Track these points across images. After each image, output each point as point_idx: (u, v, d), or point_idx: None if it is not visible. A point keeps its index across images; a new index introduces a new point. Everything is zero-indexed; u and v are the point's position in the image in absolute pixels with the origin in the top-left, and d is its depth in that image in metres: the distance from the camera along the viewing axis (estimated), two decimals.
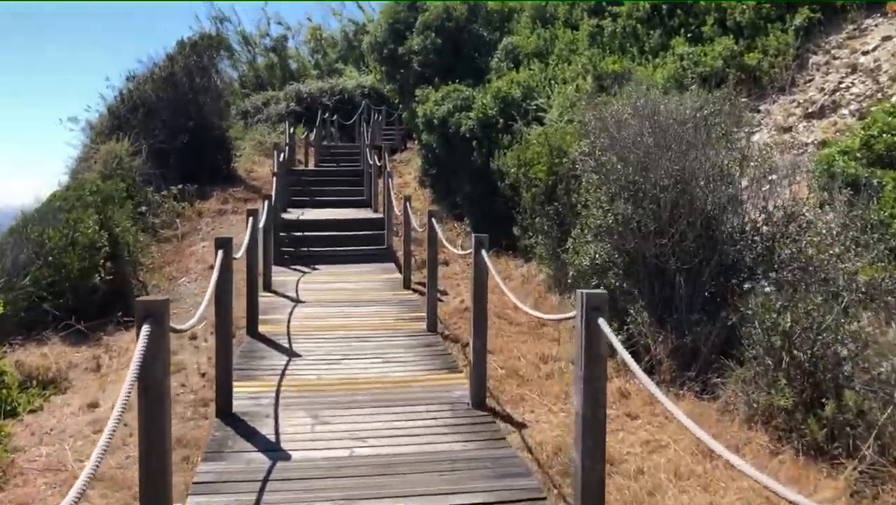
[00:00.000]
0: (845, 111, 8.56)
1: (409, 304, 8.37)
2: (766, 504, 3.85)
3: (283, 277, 9.77)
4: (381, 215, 12.16)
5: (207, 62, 17.16)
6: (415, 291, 9.17)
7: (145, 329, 2.76)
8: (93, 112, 16.18)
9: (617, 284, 6.41)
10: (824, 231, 5.75)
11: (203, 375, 6.00)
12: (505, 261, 10.44)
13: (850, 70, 8.89)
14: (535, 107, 11.08)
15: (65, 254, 7.75)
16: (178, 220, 13.22)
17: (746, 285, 6.19)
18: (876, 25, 9.23)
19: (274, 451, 4.30)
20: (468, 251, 4.98)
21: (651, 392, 2.95)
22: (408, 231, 9.20)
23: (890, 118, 6.82)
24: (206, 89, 16.84)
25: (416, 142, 18.10)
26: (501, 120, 11.21)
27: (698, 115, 6.69)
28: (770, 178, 6.71)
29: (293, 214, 12.77)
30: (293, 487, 3.83)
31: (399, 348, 6.49)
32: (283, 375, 5.60)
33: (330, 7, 33.53)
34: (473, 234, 4.87)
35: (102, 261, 8.14)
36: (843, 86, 8.88)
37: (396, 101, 16.32)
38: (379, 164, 14.11)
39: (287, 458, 4.19)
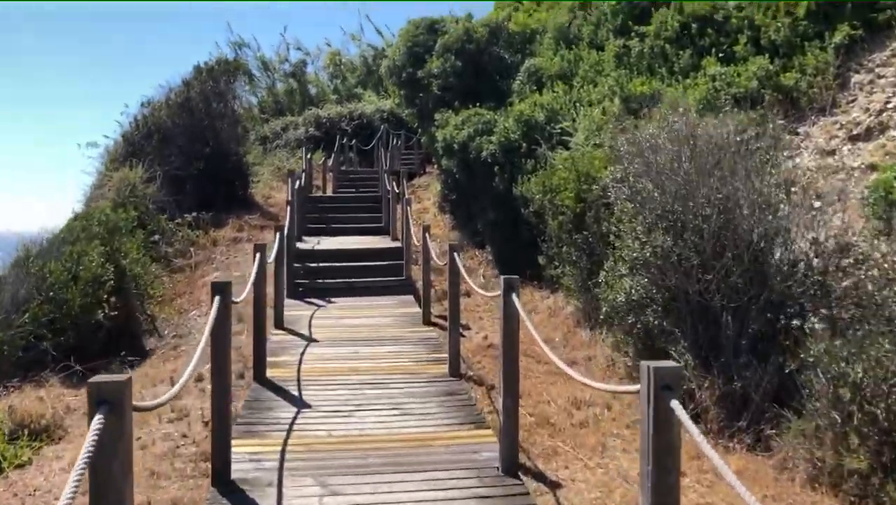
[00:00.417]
0: (894, 133, 8.01)
1: (428, 342, 7.83)
2: None
3: (296, 311, 9.30)
4: (399, 244, 11.70)
5: (224, 87, 16.92)
6: (435, 325, 8.67)
7: (98, 420, 2.22)
8: (110, 139, 15.95)
9: (655, 322, 5.89)
10: (885, 264, 5.22)
11: (206, 423, 5.52)
12: (530, 291, 9.94)
13: None
14: (559, 130, 10.62)
15: (66, 289, 7.37)
16: (192, 249, 12.87)
17: (795, 322, 5.69)
18: None
19: None
20: (496, 293, 4.45)
21: (703, 450, 2.43)
22: (427, 262, 8.73)
23: None
24: (223, 114, 16.58)
25: (434, 166, 17.71)
26: (524, 144, 10.76)
27: (741, 137, 6.21)
28: (815, 204, 6.19)
29: (309, 244, 12.35)
30: None
31: (418, 397, 5.91)
32: (290, 430, 5.04)
33: (349, 32, 33.40)
34: (503, 277, 4.31)
35: (106, 296, 7.74)
36: (890, 106, 8.34)
37: (415, 125, 15.95)
38: (397, 190, 13.70)
39: None
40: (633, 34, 11.49)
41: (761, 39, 10.27)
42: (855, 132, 8.37)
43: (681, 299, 5.81)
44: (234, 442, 4.56)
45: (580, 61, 11.92)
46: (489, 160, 11.02)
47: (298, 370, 6.55)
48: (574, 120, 10.62)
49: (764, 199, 5.91)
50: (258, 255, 6.20)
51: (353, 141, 23.01)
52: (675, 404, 2.46)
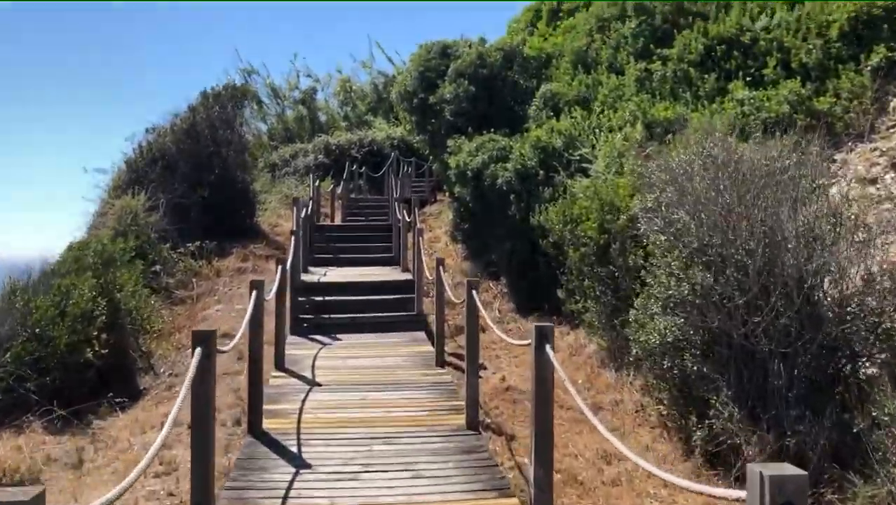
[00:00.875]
0: None
1: (443, 388, 7.12)
2: None
3: (299, 350, 8.67)
4: (410, 276, 11.13)
5: (231, 113, 16.54)
6: (449, 364, 8.08)
7: None
8: (114, 165, 15.54)
9: (694, 367, 5.31)
10: None
11: None
12: None
13: None
14: (578, 157, 10.12)
15: (53, 326, 6.86)
16: (194, 280, 12.37)
17: (851, 369, 5.12)
18: None
19: None
20: (525, 342, 3.87)
21: None
22: (441, 298, 8.15)
23: None
24: (230, 141, 16.17)
25: (446, 194, 17.24)
26: (541, 171, 10.26)
27: (787, 163, 5.68)
28: (859, 237, 5.62)
29: (315, 275, 11.78)
30: None
31: (432, 456, 5.21)
32: (286, 497, 4.40)
33: (360, 59, 33.13)
34: (535, 325, 3.71)
35: (97, 332, 7.21)
36: None
37: (426, 152, 15.48)
38: (408, 218, 13.19)
39: None
40: (654, 57, 11.04)
41: (791, 62, 9.79)
42: None
43: (722, 343, 5.24)
44: None
45: (599, 86, 11.46)
46: (504, 188, 10.52)
47: (299, 421, 5.88)
48: (594, 146, 10.13)
49: (810, 231, 5.37)
50: (254, 293, 5.61)
51: (363, 168, 22.63)
52: None
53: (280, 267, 7.67)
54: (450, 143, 12.32)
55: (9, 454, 5.59)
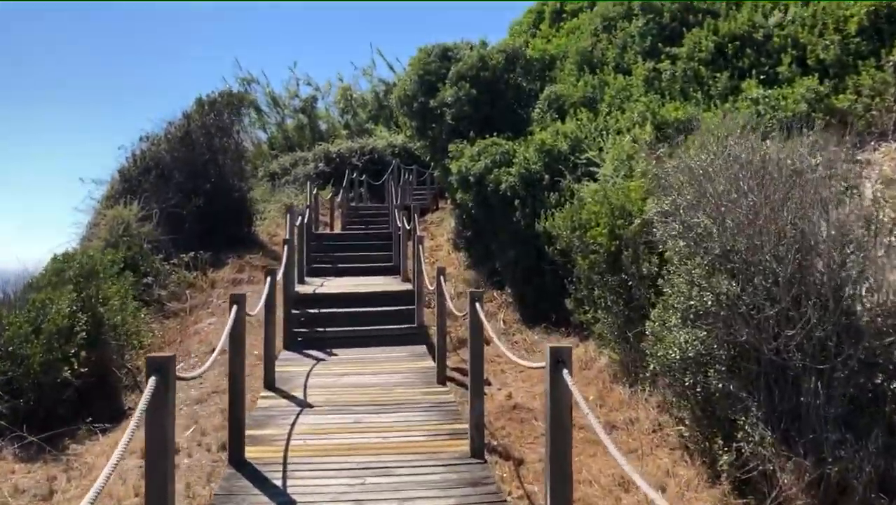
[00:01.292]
0: None
1: (444, 409, 6.56)
2: None
3: (291, 366, 8.18)
4: (410, 286, 10.65)
5: (228, 120, 16.13)
6: (451, 380, 7.59)
7: None
8: (107, 175, 15.12)
9: (719, 385, 4.85)
10: None
11: None
12: (556, 339, 8.91)
13: None
14: (585, 160, 9.67)
15: (27, 343, 6.41)
16: (187, 292, 11.93)
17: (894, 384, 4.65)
18: None
19: None
20: (539, 365, 3.38)
21: None
22: (442, 310, 7.67)
23: None
24: (226, 149, 15.76)
25: (448, 201, 16.82)
26: (547, 176, 9.81)
27: (814, 162, 5.24)
28: (886, 241, 5.16)
29: (311, 286, 11.30)
30: None
31: (433, 490, 4.66)
32: None
33: (360, 67, 32.81)
34: (549, 346, 3.20)
35: (77, 349, 6.76)
36: None
37: (427, 158, 15.04)
38: (408, 226, 12.74)
39: None
40: (663, 56, 10.60)
41: (808, 59, 9.35)
42: None
43: (750, 358, 4.78)
44: None
45: (606, 87, 11.02)
46: (508, 193, 10.08)
47: (286, 449, 5.35)
48: (601, 149, 9.67)
49: (843, 234, 4.91)
50: (234, 308, 5.13)
51: (364, 176, 22.24)
52: None
53: (269, 278, 7.18)
54: (451, 147, 11.88)
55: None
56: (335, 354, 8.74)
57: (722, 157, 5.51)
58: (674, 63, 10.38)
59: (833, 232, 4.85)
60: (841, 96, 8.58)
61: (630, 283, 6.87)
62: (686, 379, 5.14)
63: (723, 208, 5.19)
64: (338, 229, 17.50)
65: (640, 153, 8.61)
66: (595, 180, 9.10)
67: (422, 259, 9.58)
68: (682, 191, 5.66)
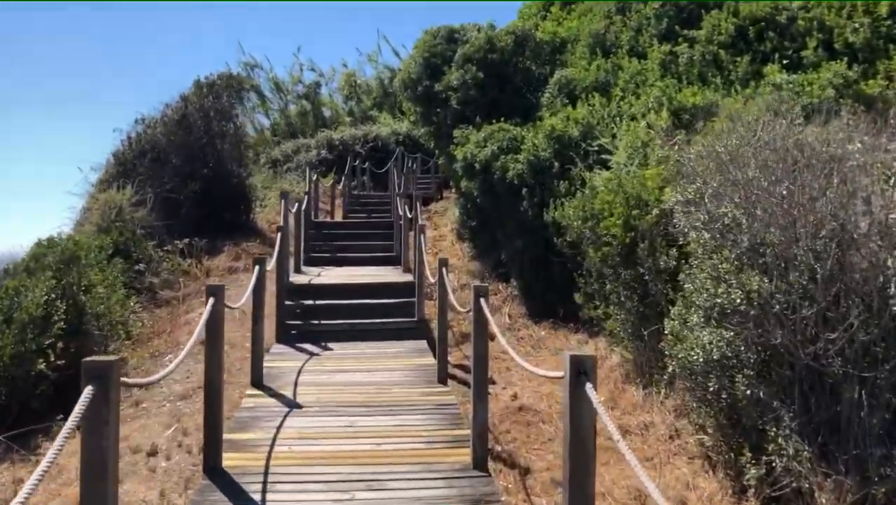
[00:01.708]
0: None
1: (445, 412, 6.02)
2: None
3: (282, 361, 7.69)
4: (411, 278, 10.19)
5: (227, 104, 15.67)
6: (453, 378, 7.13)
7: None
8: (102, 159, 14.67)
9: (748, 391, 4.39)
10: None
11: None
12: (564, 335, 8.47)
13: None
14: (597, 147, 9.19)
15: None
16: (181, 280, 11.50)
17: None
18: None
19: None
20: (558, 374, 2.89)
21: None
22: (443, 304, 7.21)
23: None
24: (225, 133, 15.31)
25: (452, 190, 16.34)
26: (556, 163, 9.34)
27: (853, 148, 4.76)
28: None
29: (307, 276, 10.83)
30: None
31: None
32: None
33: (365, 52, 32.20)
34: (569, 354, 2.69)
35: (53, 340, 6.33)
36: None
37: (432, 145, 14.55)
38: (410, 215, 12.27)
39: None
40: (680, 39, 10.10)
41: (835, 43, 8.86)
42: None
43: (783, 362, 4.33)
44: None
45: (619, 71, 10.53)
46: (516, 181, 9.60)
47: (269, 456, 4.85)
48: (614, 136, 9.19)
49: (888, 228, 4.44)
50: (210, 301, 4.65)
51: (367, 164, 21.77)
52: None
53: (257, 267, 6.71)
54: (456, 133, 11.40)
55: None
56: (330, 349, 8.27)
57: (752, 141, 5.04)
58: (691, 46, 9.88)
59: (878, 225, 4.39)
60: (871, 82, 8.10)
61: (646, 277, 6.41)
62: (709, 383, 4.68)
63: (753, 197, 4.73)
64: (338, 217, 17.04)
65: (656, 140, 8.14)
66: (608, 168, 8.63)
67: (423, 249, 9.12)
68: (707, 178, 5.19)
